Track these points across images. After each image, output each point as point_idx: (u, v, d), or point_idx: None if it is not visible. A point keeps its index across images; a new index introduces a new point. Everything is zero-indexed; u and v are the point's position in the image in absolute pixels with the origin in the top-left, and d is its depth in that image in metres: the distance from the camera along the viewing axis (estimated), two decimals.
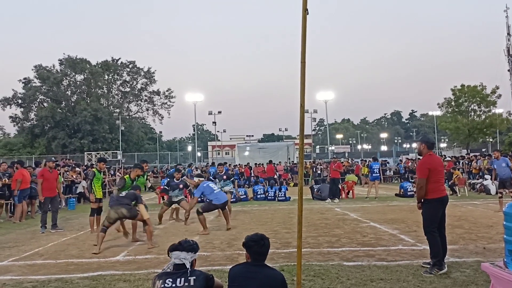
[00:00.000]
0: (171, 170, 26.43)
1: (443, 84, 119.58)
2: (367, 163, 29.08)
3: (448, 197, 5.95)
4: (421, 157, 6.12)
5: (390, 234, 8.39)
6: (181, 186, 11.10)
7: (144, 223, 7.79)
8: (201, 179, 9.66)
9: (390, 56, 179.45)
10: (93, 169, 10.61)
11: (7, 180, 12.64)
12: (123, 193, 8.04)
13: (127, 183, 8.77)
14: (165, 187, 11.66)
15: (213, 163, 28.40)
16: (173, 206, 11.74)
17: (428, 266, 5.60)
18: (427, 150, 5.92)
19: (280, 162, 31.10)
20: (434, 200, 5.72)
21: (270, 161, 25.77)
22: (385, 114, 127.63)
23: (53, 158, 11.85)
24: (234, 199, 16.68)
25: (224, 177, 11.98)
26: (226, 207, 9.71)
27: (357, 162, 31.37)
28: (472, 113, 41.38)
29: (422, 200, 5.85)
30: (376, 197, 16.40)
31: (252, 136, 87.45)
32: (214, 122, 51.27)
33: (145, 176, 10.43)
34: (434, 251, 5.58)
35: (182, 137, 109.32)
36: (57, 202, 10.80)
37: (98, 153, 43.57)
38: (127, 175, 9.30)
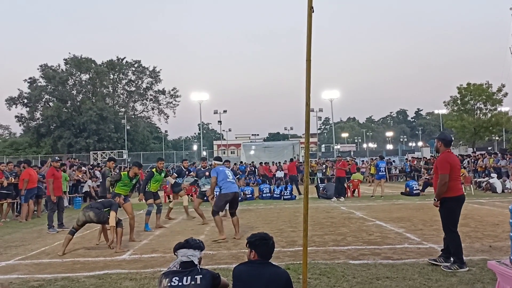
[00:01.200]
0: (177, 169, 26.51)
1: (449, 83, 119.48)
2: (373, 162, 29.06)
3: (465, 196, 5.87)
4: (438, 154, 6.06)
5: (396, 232, 8.36)
6: (207, 173, 10.88)
7: (116, 225, 7.48)
8: (218, 162, 8.90)
9: (396, 55, 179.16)
10: (105, 168, 10.83)
11: (13, 180, 12.74)
12: (100, 200, 8.04)
13: (123, 179, 8.62)
14: (195, 178, 11.70)
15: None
16: (170, 205, 11.81)
17: (434, 262, 5.61)
18: (444, 148, 5.84)
19: (285, 161, 31.08)
20: (453, 198, 5.65)
21: (292, 159, 25.10)
22: (390, 112, 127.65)
23: (56, 158, 11.93)
24: (251, 196, 16.82)
25: (207, 173, 11.05)
26: (236, 213, 8.55)
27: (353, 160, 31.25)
28: (478, 112, 41.15)
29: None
30: (382, 195, 16.37)
31: (258, 135, 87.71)
32: (220, 121, 51.47)
33: (162, 174, 10.39)
34: (455, 250, 5.55)
35: (187, 136, 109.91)
36: (63, 201, 10.96)
37: (103, 152, 43.78)
38: (125, 172, 8.97)
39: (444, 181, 5.60)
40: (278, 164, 29.86)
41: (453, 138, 6.26)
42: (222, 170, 8.41)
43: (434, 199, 5.76)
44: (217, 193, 9.01)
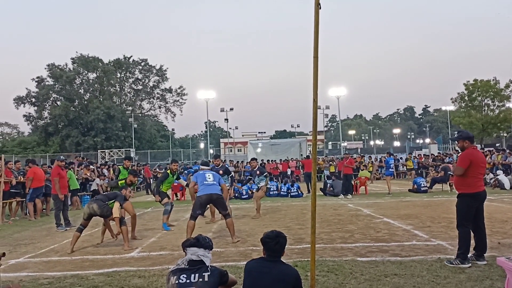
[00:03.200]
0: (190, 169, 26.53)
1: (456, 79, 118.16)
2: (371, 159, 29.03)
3: (486, 192, 5.82)
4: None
5: (403, 229, 8.34)
6: (258, 172, 11.43)
7: (120, 223, 7.54)
8: (203, 167, 8.90)
9: (403, 51, 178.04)
10: (119, 167, 10.88)
11: (22, 178, 12.84)
12: (106, 192, 8.11)
13: (120, 186, 8.74)
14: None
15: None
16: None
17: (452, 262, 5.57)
18: (470, 145, 5.82)
19: (292, 158, 31.06)
20: (469, 195, 5.64)
21: (308, 156, 24.37)
22: (398, 109, 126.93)
23: (61, 157, 11.95)
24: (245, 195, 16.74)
25: (258, 172, 11.63)
26: (230, 215, 8.03)
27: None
28: (486, 108, 40.95)
29: (457, 194, 5.84)
30: (389, 192, 16.29)
31: (264, 132, 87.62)
32: (226, 119, 51.51)
33: (175, 176, 10.36)
34: (461, 245, 5.55)
35: (194, 135, 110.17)
36: (67, 200, 11.11)
37: (111, 151, 43.97)
38: (123, 181, 9.08)
39: (458, 172, 5.70)
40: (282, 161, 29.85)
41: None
42: (202, 173, 8.07)
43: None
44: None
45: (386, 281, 4.90)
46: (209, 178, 7.91)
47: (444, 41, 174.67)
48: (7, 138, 76.10)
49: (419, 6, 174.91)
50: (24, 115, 57.03)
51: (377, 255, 6.20)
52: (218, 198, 7.79)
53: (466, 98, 41.33)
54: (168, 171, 10.23)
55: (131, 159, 11.45)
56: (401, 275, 5.09)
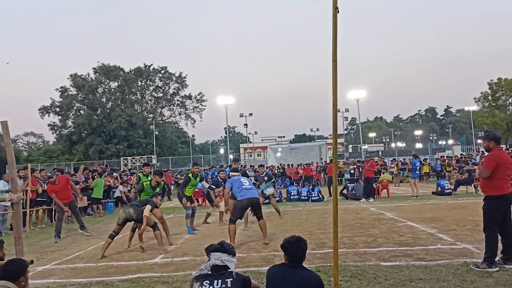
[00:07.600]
0: (211, 172, 26.62)
1: (479, 78, 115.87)
2: (395, 161, 28.75)
3: None
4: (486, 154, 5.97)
5: (428, 233, 8.22)
6: (266, 178, 11.47)
7: (153, 228, 7.79)
8: (234, 173, 9.03)
9: (423, 50, 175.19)
10: (139, 174, 11.01)
11: (46, 186, 13.10)
12: (139, 199, 8.39)
13: (145, 189, 8.94)
14: (211, 186, 11.89)
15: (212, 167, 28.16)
16: (209, 211, 11.82)
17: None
18: (496, 146, 5.73)
19: (312, 162, 30.94)
20: (496, 197, 5.55)
21: (332, 161, 24.42)
22: (419, 110, 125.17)
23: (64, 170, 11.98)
24: (279, 199, 16.73)
25: (266, 178, 12.05)
26: (263, 217, 8.36)
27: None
28: (510, 107, 40.11)
29: (484, 196, 5.73)
30: (416, 195, 15.89)
31: (284, 137, 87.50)
32: (246, 125, 51.70)
33: (198, 179, 10.54)
34: (488, 248, 5.46)
35: (214, 140, 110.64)
36: (76, 207, 11.18)
37: (133, 158, 44.50)
38: (148, 182, 9.18)
39: (484, 174, 5.60)
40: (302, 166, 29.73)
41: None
42: (237, 179, 8.32)
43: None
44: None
45: (411, 286, 4.83)
46: (245, 183, 8.21)
47: (466, 38, 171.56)
48: (33, 147, 77.67)
49: (439, 4, 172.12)
50: (49, 124, 58.09)
51: (401, 259, 6.13)
52: (257, 202, 8.21)
53: (489, 97, 40.60)
54: (190, 175, 10.45)
55: (150, 165, 11.60)
56: (426, 280, 5.02)
